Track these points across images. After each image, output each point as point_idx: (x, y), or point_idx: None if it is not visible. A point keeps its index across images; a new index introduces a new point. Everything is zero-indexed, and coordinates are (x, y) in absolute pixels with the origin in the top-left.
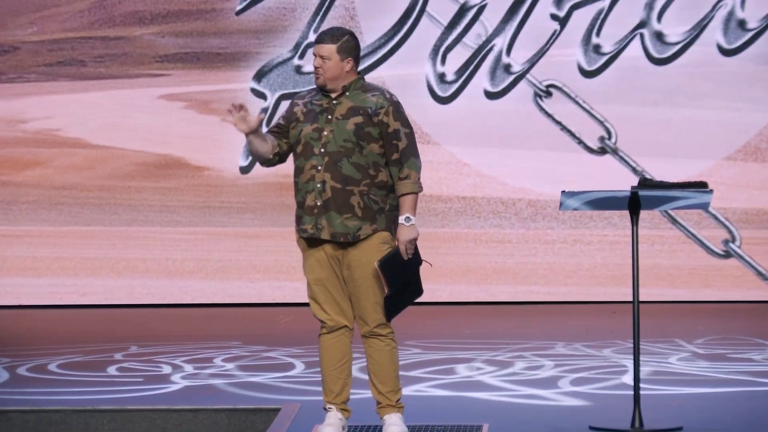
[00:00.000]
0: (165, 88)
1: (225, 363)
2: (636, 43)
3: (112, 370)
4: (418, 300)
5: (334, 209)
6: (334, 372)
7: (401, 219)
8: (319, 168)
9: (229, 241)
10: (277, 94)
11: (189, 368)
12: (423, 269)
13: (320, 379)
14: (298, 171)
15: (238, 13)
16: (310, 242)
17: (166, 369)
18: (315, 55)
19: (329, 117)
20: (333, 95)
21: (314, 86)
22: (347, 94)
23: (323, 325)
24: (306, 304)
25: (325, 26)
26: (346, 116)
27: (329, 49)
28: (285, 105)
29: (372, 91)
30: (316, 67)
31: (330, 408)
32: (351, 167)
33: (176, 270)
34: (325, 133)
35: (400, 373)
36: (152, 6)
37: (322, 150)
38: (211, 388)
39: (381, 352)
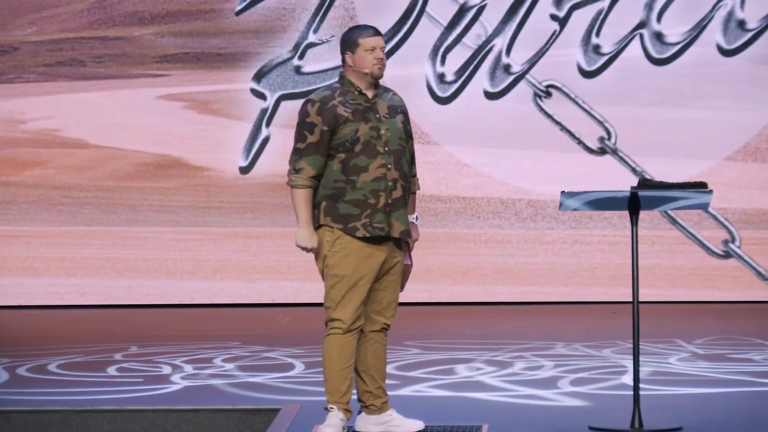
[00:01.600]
0: (165, 89)
1: (225, 363)
2: (636, 43)
3: (112, 370)
4: (419, 300)
5: (403, 206)
6: (343, 372)
7: (411, 218)
8: (389, 166)
9: (228, 241)
10: (276, 95)
11: (189, 368)
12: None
13: (320, 379)
14: (359, 169)
15: (238, 13)
16: (368, 241)
17: (166, 369)
18: (373, 47)
19: (377, 116)
20: (369, 94)
21: (318, 87)
22: (378, 93)
23: (339, 326)
24: (307, 304)
25: (324, 27)
26: (391, 114)
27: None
28: (286, 105)
29: (390, 90)
30: (379, 59)
31: (332, 408)
32: (407, 165)
33: (176, 270)
34: (382, 131)
35: (400, 372)
36: (152, 6)
37: (386, 148)
38: (211, 389)
39: (384, 347)
